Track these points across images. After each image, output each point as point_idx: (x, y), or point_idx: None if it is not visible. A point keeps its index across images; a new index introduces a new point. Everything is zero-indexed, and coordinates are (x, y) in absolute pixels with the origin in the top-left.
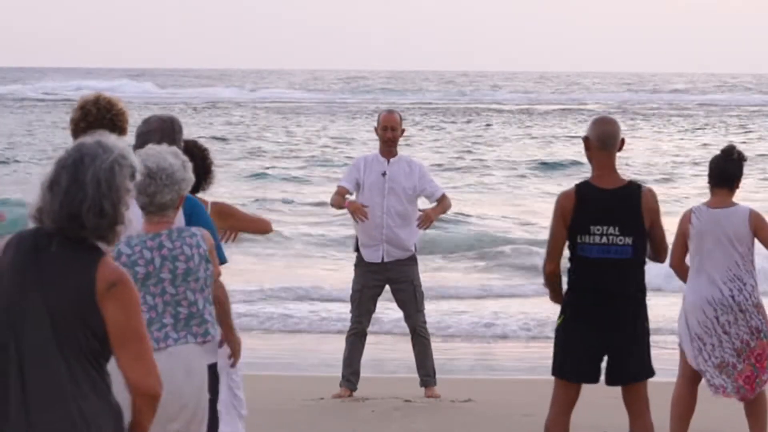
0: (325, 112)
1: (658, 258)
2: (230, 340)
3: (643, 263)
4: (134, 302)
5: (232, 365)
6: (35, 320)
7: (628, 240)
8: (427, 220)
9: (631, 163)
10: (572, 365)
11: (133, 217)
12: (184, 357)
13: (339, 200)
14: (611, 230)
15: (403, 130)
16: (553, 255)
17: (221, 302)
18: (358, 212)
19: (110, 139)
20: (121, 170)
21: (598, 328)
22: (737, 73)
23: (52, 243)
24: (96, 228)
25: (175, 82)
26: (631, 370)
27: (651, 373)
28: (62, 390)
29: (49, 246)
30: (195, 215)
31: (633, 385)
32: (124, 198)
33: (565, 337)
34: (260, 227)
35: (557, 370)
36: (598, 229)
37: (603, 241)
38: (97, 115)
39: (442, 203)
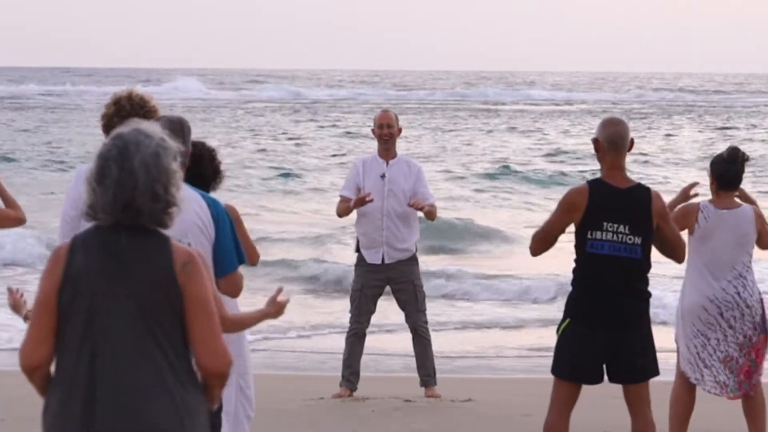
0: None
1: (676, 256)
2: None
3: (650, 264)
4: (206, 278)
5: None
6: (125, 315)
7: (638, 240)
8: (420, 202)
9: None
10: (577, 366)
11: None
12: None
13: (344, 206)
14: (622, 228)
15: (399, 129)
16: (544, 240)
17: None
18: (363, 201)
19: (146, 125)
20: (166, 153)
21: (606, 328)
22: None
23: (120, 236)
24: (151, 213)
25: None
26: (639, 369)
27: (657, 371)
28: (164, 381)
29: (118, 240)
30: (221, 222)
31: (637, 384)
32: (173, 180)
33: (573, 337)
34: (250, 258)
35: (561, 370)
36: (610, 226)
37: (614, 239)
38: (131, 110)
39: (431, 208)
